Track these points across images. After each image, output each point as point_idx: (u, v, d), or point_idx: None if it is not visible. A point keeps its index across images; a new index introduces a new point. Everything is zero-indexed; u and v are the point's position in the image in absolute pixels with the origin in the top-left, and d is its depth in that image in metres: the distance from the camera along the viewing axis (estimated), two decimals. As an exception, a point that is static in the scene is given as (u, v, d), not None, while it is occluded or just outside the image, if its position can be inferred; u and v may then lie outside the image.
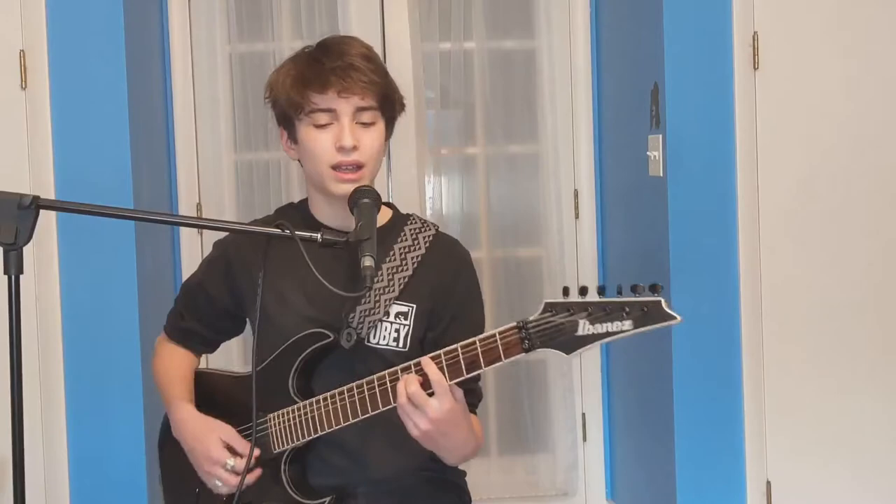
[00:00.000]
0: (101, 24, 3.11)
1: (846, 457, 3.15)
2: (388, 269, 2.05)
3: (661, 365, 3.16)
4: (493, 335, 1.79)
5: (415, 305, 2.05)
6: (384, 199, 2.08)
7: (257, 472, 2.04)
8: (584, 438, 3.80)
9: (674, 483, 3.13)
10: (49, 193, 3.07)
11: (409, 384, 1.82)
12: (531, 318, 1.76)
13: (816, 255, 3.14)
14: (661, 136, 3.11)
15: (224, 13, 3.65)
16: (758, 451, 3.16)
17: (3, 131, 3.11)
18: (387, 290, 2.04)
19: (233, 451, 2.03)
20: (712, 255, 3.12)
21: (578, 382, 3.78)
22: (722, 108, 3.10)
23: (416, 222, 2.14)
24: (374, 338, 2.03)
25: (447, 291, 2.09)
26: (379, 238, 1.97)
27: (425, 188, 3.73)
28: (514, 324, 1.78)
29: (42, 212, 1.72)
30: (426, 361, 1.83)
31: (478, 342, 1.80)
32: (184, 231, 3.65)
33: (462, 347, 1.82)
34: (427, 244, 2.10)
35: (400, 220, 2.15)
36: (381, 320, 2.03)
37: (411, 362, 1.87)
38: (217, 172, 3.67)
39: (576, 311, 1.73)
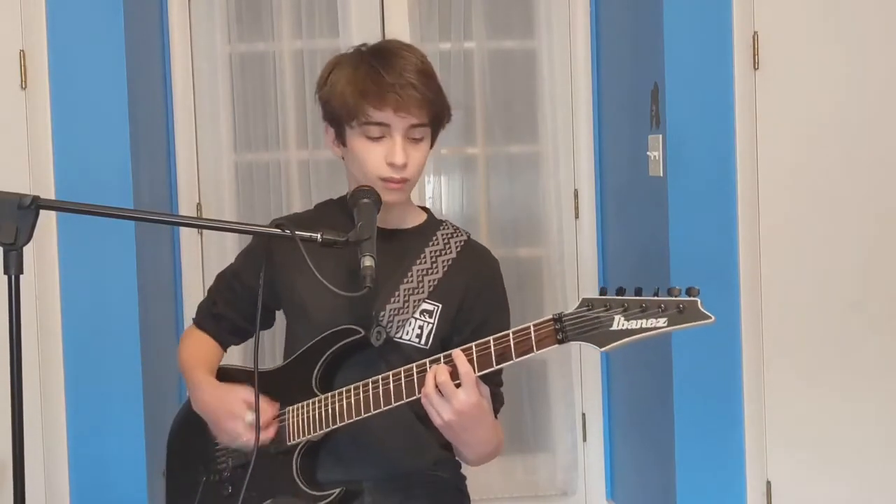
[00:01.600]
0: (101, 24, 3.11)
1: (846, 457, 3.15)
2: (417, 270, 2.09)
3: (661, 365, 3.16)
4: (528, 327, 1.81)
5: (441, 305, 2.08)
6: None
7: (273, 427, 2.05)
8: (584, 438, 3.80)
9: (674, 483, 3.13)
10: (49, 193, 3.07)
11: (439, 373, 1.84)
12: (567, 312, 1.78)
13: (816, 255, 3.14)
14: (661, 136, 3.11)
15: (224, 13, 3.65)
16: (758, 452, 3.16)
17: (3, 131, 3.11)
18: (416, 290, 2.07)
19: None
20: (712, 255, 3.12)
21: (578, 382, 3.78)
22: (722, 108, 3.10)
23: (448, 228, 2.19)
24: (399, 334, 2.06)
25: (475, 299, 2.12)
26: (411, 239, 2.07)
27: (425, 188, 3.73)
28: (550, 316, 1.79)
29: (42, 212, 1.72)
30: (457, 353, 1.85)
31: (511, 333, 1.82)
32: (184, 231, 3.65)
33: (494, 339, 1.84)
34: (458, 249, 2.14)
35: (433, 224, 2.19)
36: (410, 318, 2.06)
37: (441, 354, 1.88)
38: (217, 172, 3.67)
39: (612, 306, 1.74)
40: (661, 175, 3.11)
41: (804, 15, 3.11)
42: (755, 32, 3.09)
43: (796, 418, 3.15)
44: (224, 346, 2.30)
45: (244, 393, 2.05)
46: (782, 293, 3.14)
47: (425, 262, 2.10)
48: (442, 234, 2.16)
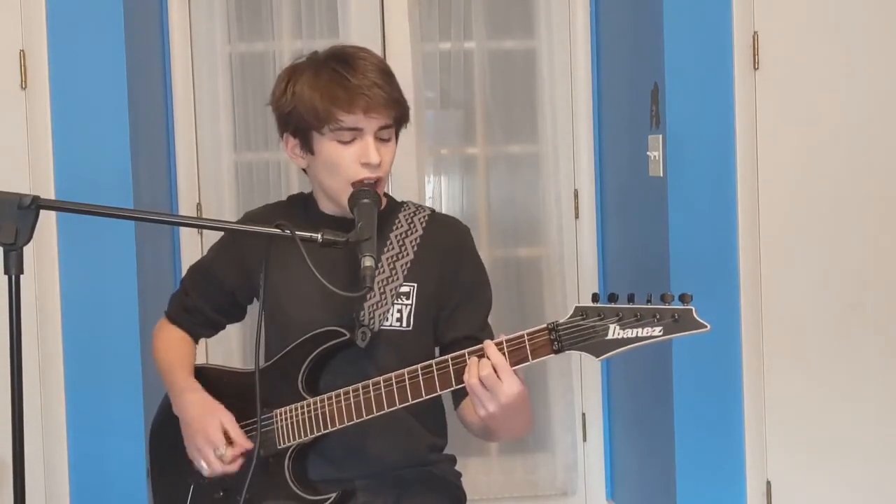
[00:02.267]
0: (101, 25, 3.11)
1: (846, 457, 3.15)
2: (387, 258, 2.07)
3: (661, 365, 3.16)
4: (522, 336, 1.80)
5: (416, 284, 2.07)
6: None
7: (238, 462, 2.04)
8: (584, 438, 3.80)
9: (674, 483, 3.13)
10: (49, 193, 3.07)
11: (482, 367, 1.81)
12: (561, 321, 1.78)
13: (816, 255, 3.14)
14: (661, 136, 3.11)
15: (224, 13, 3.65)
16: (758, 452, 3.16)
17: (3, 131, 3.11)
18: (391, 279, 2.06)
19: (228, 440, 2.04)
20: (712, 255, 3.12)
21: (578, 382, 3.78)
22: (722, 108, 3.10)
23: (410, 207, 2.17)
24: (381, 323, 2.05)
25: (452, 272, 2.11)
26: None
27: (425, 188, 3.73)
28: (545, 325, 1.79)
29: (42, 212, 1.72)
30: (488, 344, 1.82)
31: (504, 342, 1.82)
32: (184, 231, 3.65)
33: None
34: (423, 225, 2.12)
35: (395, 207, 2.17)
36: (390, 307, 2.05)
37: (448, 357, 1.86)
38: (217, 172, 3.67)
39: (607, 315, 1.75)
40: (661, 175, 3.11)
41: (804, 15, 3.11)
42: (755, 32, 3.09)
43: (796, 418, 3.15)
44: (196, 339, 2.29)
45: (225, 418, 2.05)
46: (782, 293, 3.14)
47: (393, 248, 2.09)
48: (404, 215, 2.14)
